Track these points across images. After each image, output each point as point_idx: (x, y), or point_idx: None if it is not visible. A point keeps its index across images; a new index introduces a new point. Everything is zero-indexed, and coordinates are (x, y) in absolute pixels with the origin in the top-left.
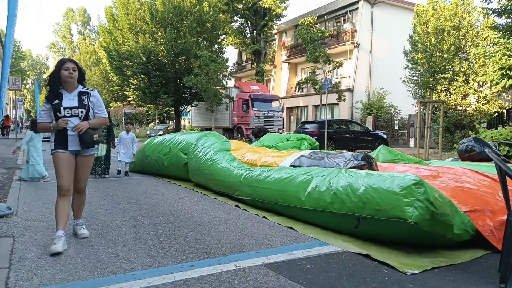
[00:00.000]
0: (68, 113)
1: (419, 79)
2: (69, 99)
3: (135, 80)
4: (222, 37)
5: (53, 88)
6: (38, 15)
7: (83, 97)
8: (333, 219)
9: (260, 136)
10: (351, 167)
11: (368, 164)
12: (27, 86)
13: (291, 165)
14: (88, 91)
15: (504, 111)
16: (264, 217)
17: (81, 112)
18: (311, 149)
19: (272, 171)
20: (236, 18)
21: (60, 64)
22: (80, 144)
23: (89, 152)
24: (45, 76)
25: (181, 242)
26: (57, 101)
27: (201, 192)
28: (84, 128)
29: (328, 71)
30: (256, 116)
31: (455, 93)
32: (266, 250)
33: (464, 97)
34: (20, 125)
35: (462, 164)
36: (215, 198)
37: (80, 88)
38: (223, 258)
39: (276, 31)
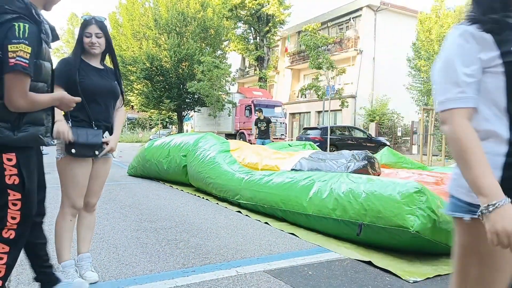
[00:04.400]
0: None
1: (422, 86)
2: None
3: (139, 85)
4: (225, 43)
5: None
6: None
7: None
8: (335, 225)
9: (259, 124)
10: (353, 171)
11: (370, 163)
12: None
13: (292, 169)
14: None
15: None
16: (266, 223)
17: None
18: None
19: (273, 175)
20: (240, 24)
21: None
22: None
23: None
24: None
25: (183, 247)
26: None
27: (202, 197)
28: None
29: (331, 78)
30: None
31: None
32: (268, 256)
33: None
34: None
35: None
36: (217, 203)
37: None
38: (224, 264)
39: (279, 37)
